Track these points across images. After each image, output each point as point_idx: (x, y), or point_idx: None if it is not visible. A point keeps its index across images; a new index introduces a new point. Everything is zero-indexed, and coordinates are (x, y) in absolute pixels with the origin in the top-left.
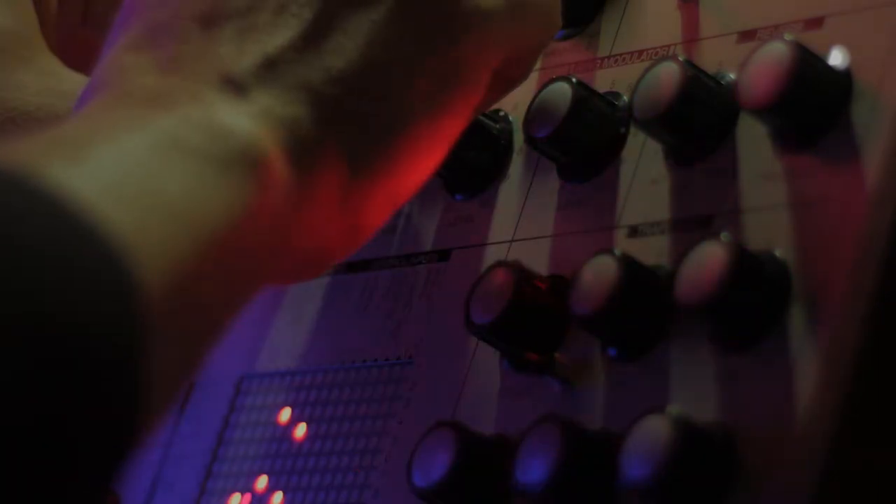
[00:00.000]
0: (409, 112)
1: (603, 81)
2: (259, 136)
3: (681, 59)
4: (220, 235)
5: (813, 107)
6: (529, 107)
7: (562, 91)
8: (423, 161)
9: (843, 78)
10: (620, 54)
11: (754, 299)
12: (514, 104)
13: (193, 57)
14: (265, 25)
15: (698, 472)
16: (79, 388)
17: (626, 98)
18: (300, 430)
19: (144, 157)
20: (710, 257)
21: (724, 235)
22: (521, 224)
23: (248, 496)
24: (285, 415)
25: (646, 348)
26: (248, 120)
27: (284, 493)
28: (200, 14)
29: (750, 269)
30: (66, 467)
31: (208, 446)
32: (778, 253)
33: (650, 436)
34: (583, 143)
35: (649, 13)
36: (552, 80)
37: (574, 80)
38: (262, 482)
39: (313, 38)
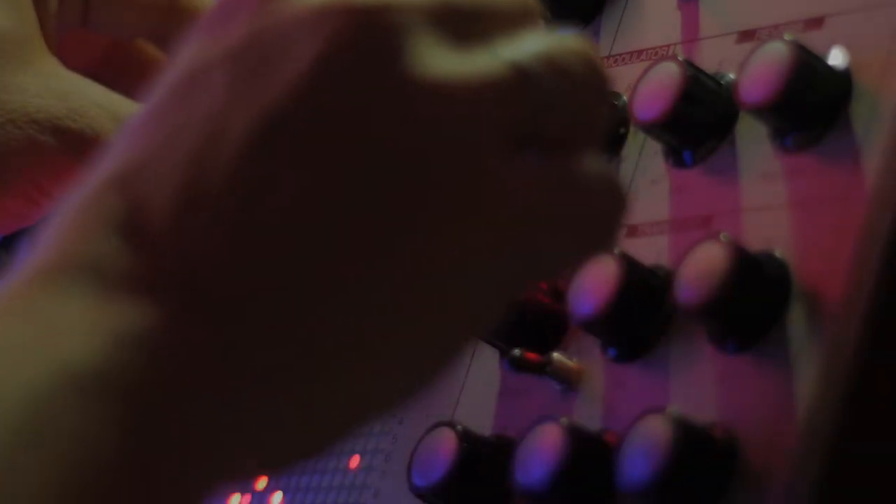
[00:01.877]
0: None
1: None
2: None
3: (681, 59)
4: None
5: (813, 107)
6: None
7: None
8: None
9: (843, 78)
10: (620, 54)
11: (754, 299)
12: None
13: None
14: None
15: (698, 472)
16: None
17: (626, 98)
18: None
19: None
20: (710, 257)
21: (724, 235)
22: None
23: (247, 496)
24: None
25: (646, 348)
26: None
27: (284, 494)
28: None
29: (750, 269)
30: None
31: None
32: (778, 253)
33: (650, 436)
34: None
35: (649, 13)
36: None
37: None
38: (261, 482)
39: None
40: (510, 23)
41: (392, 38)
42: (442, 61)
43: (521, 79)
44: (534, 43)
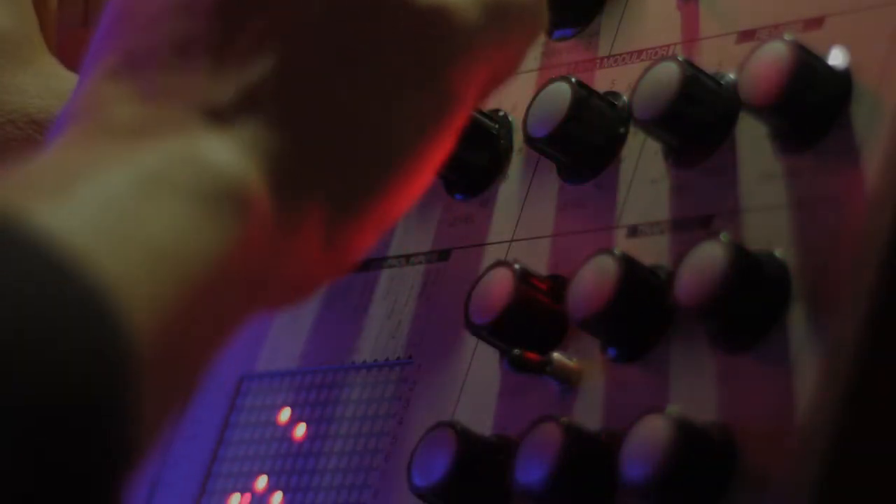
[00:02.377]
0: (398, 146)
1: (603, 81)
2: (244, 172)
3: (681, 59)
4: (206, 272)
5: (813, 107)
6: (529, 107)
7: (562, 91)
8: (410, 189)
9: (843, 78)
10: (620, 54)
11: (754, 299)
12: (514, 104)
13: (173, 87)
14: (247, 54)
15: (698, 472)
16: (68, 429)
17: (626, 98)
18: (300, 430)
19: (128, 196)
20: (710, 257)
21: (724, 235)
22: (520, 224)
23: (247, 496)
24: (285, 415)
25: (646, 348)
26: (232, 155)
27: (284, 494)
28: (179, 43)
29: (750, 269)
30: None
31: (208, 446)
32: (778, 253)
33: (650, 436)
34: (583, 143)
35: (649, 13)
36: (552, 80)
37: (574, 80)
38: (261, 482)
39: (296, 68)
40: None
41: None
42: None
43: None
44: None
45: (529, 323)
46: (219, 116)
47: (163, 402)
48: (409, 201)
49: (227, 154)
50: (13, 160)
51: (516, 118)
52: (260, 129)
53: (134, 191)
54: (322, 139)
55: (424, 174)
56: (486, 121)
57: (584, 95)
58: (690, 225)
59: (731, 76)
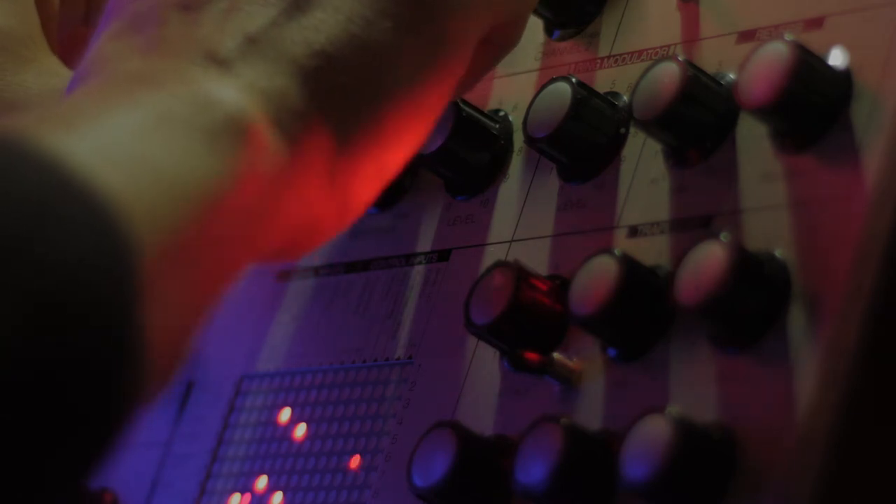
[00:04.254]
0: (393, 85)
1: (603, 81)
2: (245, 106)
3: (681, 59)
4: (210, 200)
5: (813, 107)
6: (529, 107)
7: (562, 91)
8: (409, 132)
9: (843, 78)
10: (620, 54)
11: (754, 299)
12: (514, 104)
13: (175, 39)
14: (246, 5)
15: (698, 472)
16: (74, 340)
17: (626, 98)
18: (300, 430)
19: (135, 128)
20: (710, 257)
21: (724, 235)
22: (521, 224)
23: (247, 496)
24: (285, 415)
25: (646, 348)
26: (233, 92)
27: (284, 493)
28: (181, 1)
29: (750, 269)
30: (61, 422)
31: (208, 446)
32: (778, 253)
33: (650, 436)
34: (583, 143)
35: (649, 13)
36: (552, 80)
37: (574, 80)
38: (261, 482)
39: (294, 15)
40: None
41: None
42: None
43: None
44: None
45: (529, 323)
46: (219, 61)
47: (168, 324)
48: (410, 149)
49: (227, 91)
50: None
51: (516, 118)
52: (260, 70)
53: (138, 123)
54: (321, 75)
55: (423, 120)
56: (486, 121)
57: (584, 95)
58: (690, 225)
59: (731, 76)
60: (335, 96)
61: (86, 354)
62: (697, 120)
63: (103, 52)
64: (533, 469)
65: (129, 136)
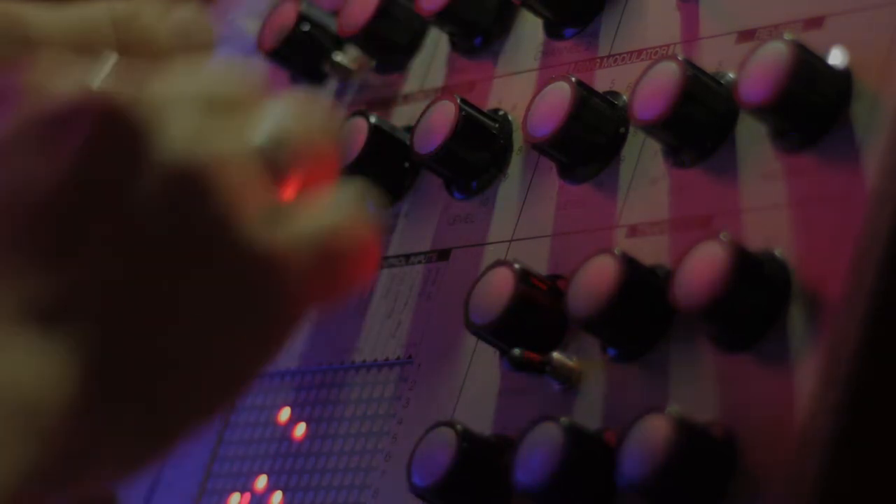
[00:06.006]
0: (216, 386)
1: (603, 81)
2: (47, 387)
3: (681, 58)
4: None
5: (813, 106)
6: (529, 107)
7: (562, 91)
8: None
9: (843, 78)
10: (620, 54)
11: (754, 299)
12: (514, 104)
13: None
14: (72, 259)
15: (698, 472)
16: None
17: (625, 98)
18: (300, 430)
19: None
20: (710, 257)
21: (724, 235)
22: (520, 224)
23: (247, 496)
24: (285, 414)
25: (646, 348)
26: (41, 365)
27: (284, 493)
28: (7, 241)
29: (750, 269)
30: None
31: (208, 446)
32: (778, 253)
33: (650, 435)
34: (583, 143)
35: (649, 13)
36: (552, 80)
37: (574, 79)
38: (261, 482)
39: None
40: (240, 105)
41: (142, 129)
42: (183, 143)
43: (259, 154)
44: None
45: (529, 323)
46: (40, 316)
47: None
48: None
49: (34, 365)
50: None
51: (516, 118)
52: (80, 336)
53: None
54: (138, 364)
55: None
56: (486, 121)
57: (584, 95)
58: (690, 225)
59: (731, 76)
60: (151, 383)
61: None
62: (697, 120)
63: None
64: (533, 469)
65: None
